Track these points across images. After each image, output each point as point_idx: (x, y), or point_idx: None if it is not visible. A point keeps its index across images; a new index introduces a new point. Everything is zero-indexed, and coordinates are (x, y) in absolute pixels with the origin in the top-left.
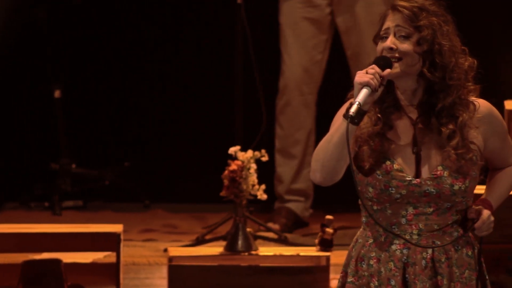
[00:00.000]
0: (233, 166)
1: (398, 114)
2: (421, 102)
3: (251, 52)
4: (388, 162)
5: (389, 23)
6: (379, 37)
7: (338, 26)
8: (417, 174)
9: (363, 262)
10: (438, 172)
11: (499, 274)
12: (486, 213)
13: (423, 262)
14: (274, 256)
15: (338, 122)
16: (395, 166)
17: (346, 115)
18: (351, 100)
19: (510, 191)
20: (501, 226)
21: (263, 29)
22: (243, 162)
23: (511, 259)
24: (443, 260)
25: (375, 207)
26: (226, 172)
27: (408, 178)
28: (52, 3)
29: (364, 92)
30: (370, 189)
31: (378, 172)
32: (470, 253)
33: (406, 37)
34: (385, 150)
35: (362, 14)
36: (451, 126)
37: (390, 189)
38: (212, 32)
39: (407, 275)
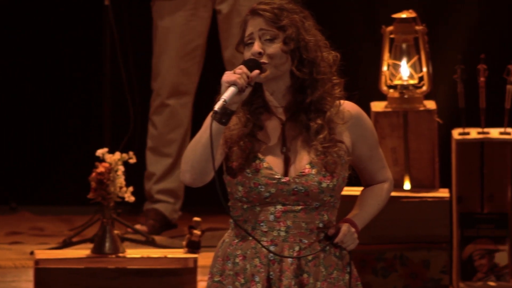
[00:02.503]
0: (101, 168)
1: (268, 115)
2: (290, 102)
3: (119, 54)
4: (257, 161)
5: (251, 28)
6: (244, 43)
7: (219, 26)
8: (286, 173)
9: (229, 261)
10: (306, 170)
11: (366, 275)
12: (345, 225)
13: (289, 259)
14: (142, 258)
15: (207, 123)
16: (265, 165)
17: (212, 115)
18: None
19: (378, 210)
20: (368, 227)
21: (131, 30)
22: (110, 164)
23: (377, 260)
24: (310, 258)
25: (245, 206)
26: (93, 174)
27: (277, 176)
28: None
29: (230, 90)
30: (240, 188)
31: (247, 170)
32: (338, 253)
33: (272, 39)
34: (255, 150)
35: (242, 14)
36: (319, 121)
37: (259, 187)
38: (80, 33)
39: (272, 272)
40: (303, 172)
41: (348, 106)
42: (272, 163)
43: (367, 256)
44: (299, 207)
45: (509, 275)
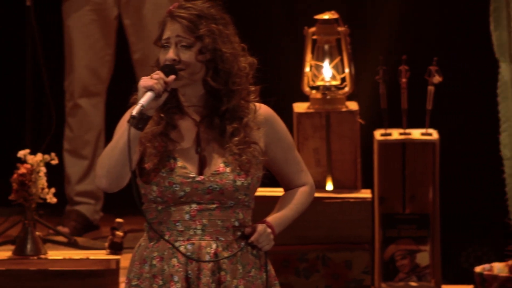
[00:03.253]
0: (22, 169)
1: (181, 116)
2: (204, 107)
3: (40, 54)
4: (172, 161)
5: (169, 33)
6: (161, 44)
7: (125, 29)
8: (201, 173)
9: (146, 264)
10: (221, 169)
11: (288, 275)
12: (261, 226)
13: (207, 257)
14: (64, 260)
15: (123, 128)
16: (179, 164)
17: (129, 120)
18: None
19: (298, 213)
20: (291, 228)
21: (52, 30)
22: (32, 165)
23: (300, 261)
24: (227, 256)
25: (159, 208)
26: (15, 175)
27: (191, 175)
28: None
29: (148, 95)
30: (154, 188)
31: (162, 170)
32: (255, 252)
33: (188, 47)
34: (169, 149)
35: (149, 16)
36: (235, 125)
37: (174, 186)
38: (2, 33)
39: (190, 271)
40: (218, 170)
41: (262, 110)
42: (187, 162)
43: (290, 256)
44: (214, 205)
45: (430, 275)
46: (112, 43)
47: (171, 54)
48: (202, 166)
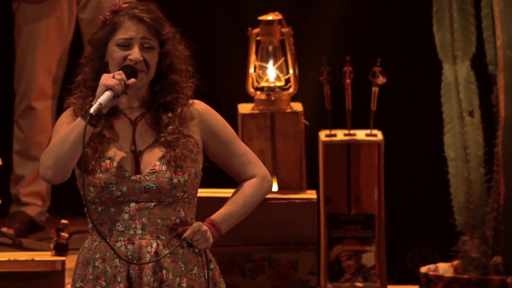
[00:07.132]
0: None
1: (117, 116)
2: (142, 102)
3: None
4: (108, 161)
5: (132, 33)
6: (117, 43)
7: (82, 32)
8: (137, 171)
9: (89, 266)
10: (157, 167)
11: (233, 276)
12: (196, 223)
13: (148, 256)
14: (9, 261)
15: (63, 128)
16: (115, 164)
17: (84, 115)
18: (73, 107)
19: (247, 206)
20: (236, 228)
21: None
22: None
23: (245, 261)
24: (163, 255)
25: (99, 209)
26: None
27: (127, 174)
28: None
29: (107, 94)
30: (92, 189)
31: (98, 171)
32: (197, 250)
33: (152, 49)
34: (105, 150)
35: None
36: (170, 115)
37: (110, 186)
38: None
39: (131, 271)
40: (154, 169)
41: (198, 106)
42: (123, 162)
43: (235, 257)
44: (153, 204)
45: (375, 276)
46: (68, 46)
47: (137, 54)
48: (138, 165)
